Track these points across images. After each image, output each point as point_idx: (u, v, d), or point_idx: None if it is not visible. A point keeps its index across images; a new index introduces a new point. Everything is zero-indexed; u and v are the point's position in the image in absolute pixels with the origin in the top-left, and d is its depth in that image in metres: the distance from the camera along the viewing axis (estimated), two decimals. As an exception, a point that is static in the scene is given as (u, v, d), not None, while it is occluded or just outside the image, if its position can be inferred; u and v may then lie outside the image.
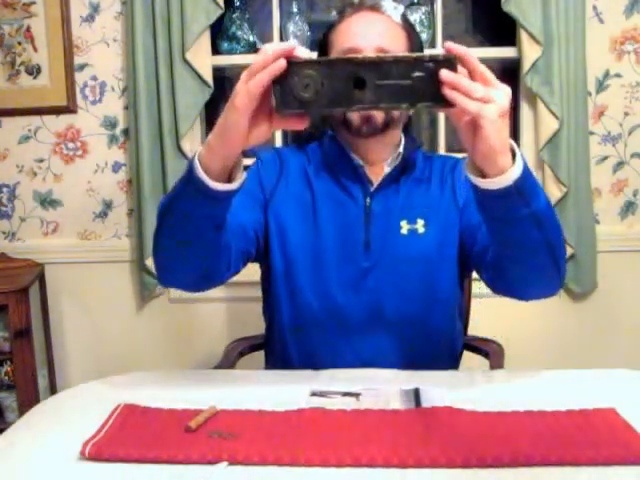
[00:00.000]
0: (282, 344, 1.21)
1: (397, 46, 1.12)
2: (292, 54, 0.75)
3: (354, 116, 1.12)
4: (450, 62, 0.73)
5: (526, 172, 0.81)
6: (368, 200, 1.17)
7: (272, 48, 0.75)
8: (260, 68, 0.75)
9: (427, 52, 1.33)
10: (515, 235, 0.88)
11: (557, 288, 1.00)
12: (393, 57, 0.75)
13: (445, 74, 0.73)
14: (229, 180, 0.86)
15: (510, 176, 0.79)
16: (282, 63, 0.74)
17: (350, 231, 1.16)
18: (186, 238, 0.92)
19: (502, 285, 1.02)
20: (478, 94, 0.74)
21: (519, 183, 0.80)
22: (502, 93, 0.76)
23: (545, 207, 0.85)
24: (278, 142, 2.15)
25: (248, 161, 1.26)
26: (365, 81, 0.74)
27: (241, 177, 0.87)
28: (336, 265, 1.15)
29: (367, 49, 1.09)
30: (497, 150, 0.77)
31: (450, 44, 0.75)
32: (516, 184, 0.80)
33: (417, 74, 0.73)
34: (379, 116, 1.11)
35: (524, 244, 0.89)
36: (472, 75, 0.76)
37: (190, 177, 0.85)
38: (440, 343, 1.21)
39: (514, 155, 0.80)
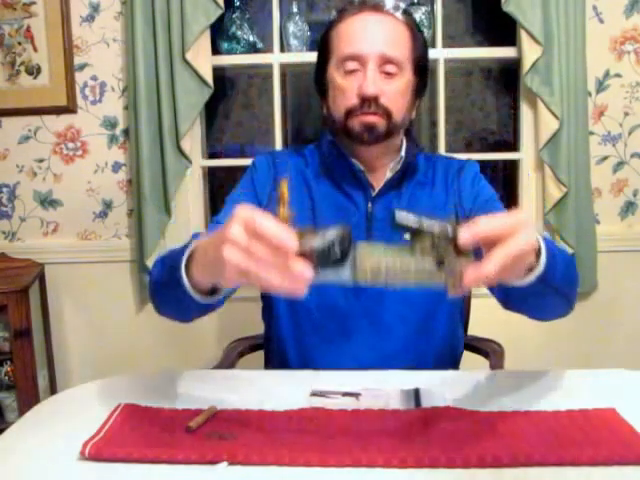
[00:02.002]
0: (281, 348, 1.20)
1: (401, 49, 1.11)
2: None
3: (355, 124, 1.10)
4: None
5: (549, 263, 0.78)
6: (370, 205, 1.16)
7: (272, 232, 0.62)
8: (264, 266, 0.62)
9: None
10: (532, 300, 0.90)
11: (567, 313, 1.01)
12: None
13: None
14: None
15: (533, 274, 0.78)
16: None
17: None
18: (180, 308, 0.93)
19: (514, 310, 1.01)
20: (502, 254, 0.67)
21: (542, 277, 0.79)
22: (524, 234, 0.66)
23: (562, 276, 0.84)
24: (278, 144, 2.14)
25: (248, 161, 1.26)
26: None
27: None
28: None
29: (370, 55, 1.08)
30: (523, 271, 0.75)
31: (465, 238, 0.67)
32: (538, 278, 0.79)
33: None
34: (381, 124, 1.10)
35: (540, 303, 0.92)
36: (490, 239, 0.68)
37: (179, 282, 0.82)
38: (441, 348, 1.20)
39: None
